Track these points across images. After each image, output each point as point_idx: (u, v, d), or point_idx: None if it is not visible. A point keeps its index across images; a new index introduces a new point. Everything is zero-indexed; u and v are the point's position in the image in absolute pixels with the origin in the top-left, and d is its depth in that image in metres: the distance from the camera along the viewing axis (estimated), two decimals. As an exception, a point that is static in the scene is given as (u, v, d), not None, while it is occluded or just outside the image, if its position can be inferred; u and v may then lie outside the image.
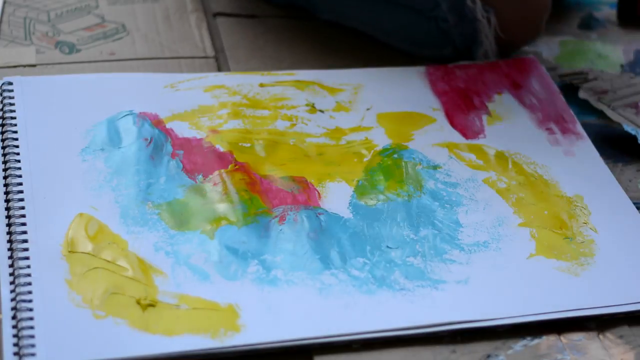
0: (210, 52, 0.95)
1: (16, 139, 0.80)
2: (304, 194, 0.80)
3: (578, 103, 0.94)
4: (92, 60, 0.92)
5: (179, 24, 0.98)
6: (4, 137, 0.80)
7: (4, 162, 0.78)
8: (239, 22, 0.99)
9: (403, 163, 0.84)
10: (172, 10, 1.00)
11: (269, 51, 0.96)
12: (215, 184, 0.79)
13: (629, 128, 0.90)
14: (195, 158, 0.82)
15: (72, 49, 0.93)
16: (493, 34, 0.93)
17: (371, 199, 0.80)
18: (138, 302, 0.70)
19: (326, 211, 0.79)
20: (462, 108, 0.91)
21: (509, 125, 0.90)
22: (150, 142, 0.82)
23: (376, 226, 0.78)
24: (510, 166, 0.85)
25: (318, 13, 1.00)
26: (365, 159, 0.84)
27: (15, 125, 0.81)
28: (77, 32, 0.96)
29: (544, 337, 0.72)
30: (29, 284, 0.69)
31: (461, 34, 0.94)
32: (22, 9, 0.97)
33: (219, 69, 0.93)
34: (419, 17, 0.95)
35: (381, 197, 0.81)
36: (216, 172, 0.81)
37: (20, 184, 0.76)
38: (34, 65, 0.91)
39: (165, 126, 0.84)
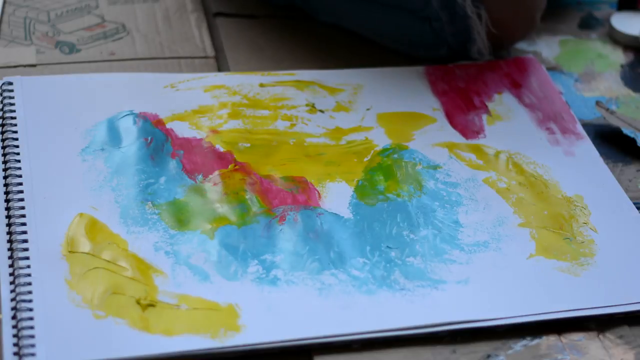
0: (210, 52, 0.95)
1: (16, 139, 0.80)
2: (304, 194, 0.80)
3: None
4: (92, 60, 0.92)
5: (179, 24, 0.98)
6: (4, 137, 0.80)
7: (4, 162, 0.78)
8: (239, 22, 0.99)
9: (403, 163, 0.84)
10: (172, 10, 1.00)
11: (268, 51, 0.96)
12: (215, 184, 0.79)
13: (627, 131, 0.90)
14: (195, 158, 0.82)
15: (72, 49, 0.93)
16: (485, 30, 0.93)
17: (371, 199, 0.80)
18: (138, 302, 0.69)
19: (326, 211, 0.79)
20: (462, 108, 0.91)
21: (509, 125, 0.90)
22: (150, 142, 0.82)
23: (376, 226, 0.78)
24: (510, 166, 0.85)
25: (317, 15, 1.00)
26: (365, 159, 0.84)
27: (15, 125, 0.81)
28: (77, 32, 0.95)
29: (544, 337, 0.72)
30: (29, 284, 0.69)
31: (453, 32, 0.94)
32: (22, 9, 0.97)
33: (219, 69, 0.93)
34: (413, 19, 0.94)
35: (381, 197, 0.81)
36: (216, 172, 0.81)
37: (20, 184, 0.76)
38: (34, 65, 0.90)
39: (165, 126, 0.84)
